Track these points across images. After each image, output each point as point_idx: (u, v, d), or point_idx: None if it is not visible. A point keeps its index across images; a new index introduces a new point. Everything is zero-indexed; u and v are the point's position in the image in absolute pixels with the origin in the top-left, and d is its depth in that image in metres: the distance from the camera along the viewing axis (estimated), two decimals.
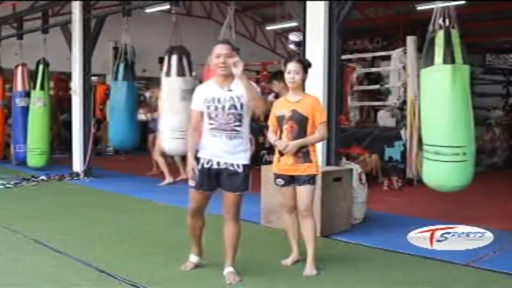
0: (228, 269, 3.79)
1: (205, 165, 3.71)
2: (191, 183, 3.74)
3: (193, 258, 4.01)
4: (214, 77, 3.78)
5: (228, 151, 3.66)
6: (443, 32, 4.69)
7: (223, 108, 3.64)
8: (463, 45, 4.70)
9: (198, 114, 3.75)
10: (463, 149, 4.64)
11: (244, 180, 3.69)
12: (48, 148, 9.80)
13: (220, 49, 3.64)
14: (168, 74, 7.44)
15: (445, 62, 4.65)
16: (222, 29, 7.17)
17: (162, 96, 7.65)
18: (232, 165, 3.68)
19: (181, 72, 7.41)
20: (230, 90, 3.65)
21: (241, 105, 3.65)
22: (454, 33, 4.68)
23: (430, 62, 4.77)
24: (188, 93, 7.20)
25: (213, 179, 3.71)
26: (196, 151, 3.76)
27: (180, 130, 7.03)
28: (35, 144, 9.58)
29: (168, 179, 8.24)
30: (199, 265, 4.02)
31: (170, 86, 7.42)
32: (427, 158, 4.83)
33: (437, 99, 4.75)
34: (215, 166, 3.70)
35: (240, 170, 3.68)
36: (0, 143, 10.98)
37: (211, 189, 3.76)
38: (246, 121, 3.72)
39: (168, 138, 7.32)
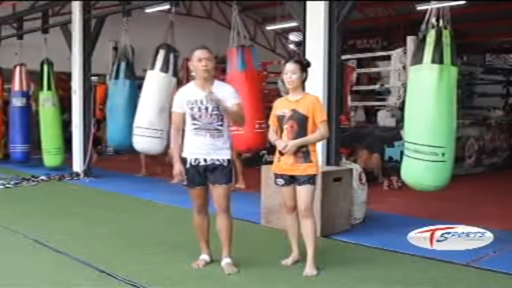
0: (226, 260, 3.96)
1: (193, 163, 3.90)
2: (184, 182, 3.93)
3: (205, 256, 4.06)
4: (195, 79, 3.97)
5: (213, 148, 3.87)
6: (434, 32, 4.67)
7: (206, 109, 3.84)
8: (453, 46, 4.67)
9: (181, 115, 3.94)
10: (442, 149, 4.62)
11: (229, 173, 3.93)
12: (63, 147, 9.80)
13: (202, 53, 3.86)
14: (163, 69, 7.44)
15: (433, 61, 4.63)
16: (231, 33, 7.13)
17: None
18: (218, 160, 3.88)
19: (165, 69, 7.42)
20: (211, 93, 3.82)
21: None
22: (446, 34, 4.66)
23: (419, 60, 4.75)
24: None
25: (202, 174, 3.91)
26: (180, 151, 3.97)
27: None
28: (50, 145, 9.61)
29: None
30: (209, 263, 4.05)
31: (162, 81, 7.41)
32: (407, 155, 4.82)
33: (422, 97, 4.73)
34: (202, 163, 3.89)
35: (225, 164, 3.90)
36: (0, 143, 10.98)
37: (203, 184, 3.94)
38: (227, 120, 3.92)
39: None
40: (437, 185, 4.79)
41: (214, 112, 3.84)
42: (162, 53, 7.38)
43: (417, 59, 4.79)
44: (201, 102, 3.85)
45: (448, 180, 4.76)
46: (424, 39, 4.73)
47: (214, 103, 3.79)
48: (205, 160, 3.87)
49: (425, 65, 4.68)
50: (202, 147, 3.86)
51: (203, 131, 3.86)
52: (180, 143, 3.96)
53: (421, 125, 4.72)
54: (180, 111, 3.94)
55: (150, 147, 7.47)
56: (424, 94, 4.70)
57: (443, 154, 4.62)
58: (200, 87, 3.89)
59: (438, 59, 4.61)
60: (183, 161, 3.92)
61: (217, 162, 3.87)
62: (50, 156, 9.64)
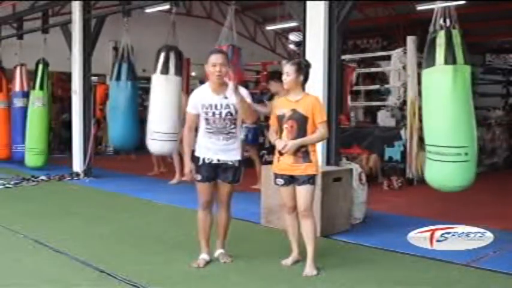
0: (220, 251, 4.16)
1: (206, 161, 4.03)
2: (197, 177, 4.04)
3: (204, 256, 4.08)
4: (209, 82, 4.05)
5: (225, 150, 4.01)
6: (444, 33, 4.67)
7: (220, 114, 3.97)
8: (464, 45, 4.68)
9: (195, 116, 4.06)
10: (465, 149, 4.60)
11: (238, 173, 4.09)
12: (47, 148, 9.79)
13: (216, 59, 3.95)
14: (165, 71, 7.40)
15: (446, 62, 4.63)
16: (222, 30, 7.14)
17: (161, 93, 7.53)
18: (231, 161, 4.04)
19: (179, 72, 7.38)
20: (226, 98, 3.96)
21: (236, 112, 3.99)
22: (455, 34, 4.66)
23: (431, 62, 4.75)
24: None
25: (214, 170, 4.05)
26: (193, 150, 4.08)
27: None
28: (33, 144, 9.57)
29: (178, 178, 8.15)
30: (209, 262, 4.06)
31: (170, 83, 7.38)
32: (430, 158, 4.81)
33: (438, 99, 4.73)
34: (215, 161, 4.03)
35: (237, 165, 4.06)
36: (4, 143, 10.98)
37: (213, 180, 4.06)
38: (239, 122, 4.09)
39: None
40: (463, 185, 4.75)
41: (228, 117, 3.96)
42: (173, 56, 7.35)
43: (429, 61, 4.77)
44: (216, 107, 3.95)
45: (473, 178, 4.73)
46: (433, 41, 4.72)
47: (236, 94, 3.87)
48: (218, 160, 4.01)
49: (439, 67, 4.68)
50: (215, 149, 3.99)
51: (217, 134, 3.98)
52: (192, 143, 4.09)
53: (441, 127, 4.71)
54: (194, 112, 4.04)
55: (170, 150, 7.56)
56: (441, 96, 4.69)
57: (466, 154, 4.60)
58: (215, 92, 3.99)
59: (451, 59, 4.62)
60: (196, 158, 4.03)
61: (229, 163, 4.02)
62: (33, 157, 9.59)
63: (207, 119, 3.98)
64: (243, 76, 7.54)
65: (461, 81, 4.63)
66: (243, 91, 4.04)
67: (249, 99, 4.03)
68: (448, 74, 4.61)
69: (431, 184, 4.91)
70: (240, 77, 7.13)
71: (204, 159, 4.01)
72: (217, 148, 3.98)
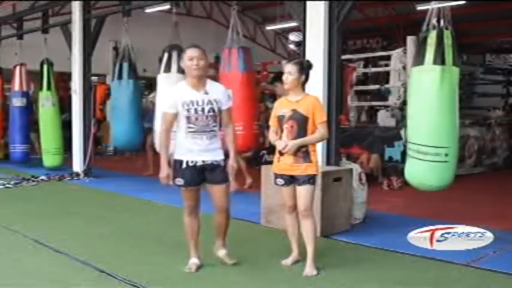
0: (223, 251, 4.06)
1: (190, 164, 3.85)
2: (179, 182, 3.87)
3: (195, 260, 4.00)
4: (187, 79, 3.92)
5: (208, 150, 3.85)
6: (435, 33, 4.66)
7: (202, 111, 3.81)
8: (455, 46, 4.66)
9: (174, 116, 3.86)
10: (445, 149, 4.61)
11: (226, 171, 3.93)
12: (62, 147, 9.82)
13: (193, 52, 3.82)
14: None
15: (435, 62, 4.62)
16: (228, 32, 7.11)
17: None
18: (216, 160, 3.88)
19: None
20: (207, 94, 3.83)
21: (219, 109, 3.87)
22: (447, 35, 4.64)
23: (420, 61, 4.74)
24: None
25: (199, 173, 3.88)
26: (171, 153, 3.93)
27: None
28: (49, 144, 9.61)
29: None
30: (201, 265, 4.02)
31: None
32: (410, 156, 4.81)
33: (424, 98, 4.72)
34: (200, 163, 3.86)
35: (222, 164, 3.91)
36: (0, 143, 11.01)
37: (199, 184, 3.92)
38: (219, 120, 3.91)
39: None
40: (440, 185, 4.78)
41: (210, 113, 3.81)
42: (175, 55, 7.35)
43: (419, 60, 4.78)
44: (197, 103, 3.79)
45: (451, 180, 4.75)
46: (425, 40, 4.71)
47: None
48: (203, 161, 3.84)
49: (427, 66, 4.67)
50: (198, 150, 3.82)
51: (199, 134, 3.81)
52: (169, 144, 3.91)
53: (423, 126, 4.71)
54: (173, 111, 3.84)
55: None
56: (426, 95, 4.69)
57: (446, 154, 4.62)
58: (194, 87, 3.83)
59: (440, 60, 4.60)
60: (178, 162, 3.86)
61: (215, 163, 3.87)
62: (49, 156, 9.64)
63: (188, 117, 3.78)
64: (255, 77, 7.46)
65: (448, 83, 4.61)
66: (222, 92, 3.92)
67: (230, 103, 3.96)
68: (435, 74, 4.60)
69: (410, 181, 4.94)
70: (254, 78, 7.09)
71: (187, 162, 3.83)
72: (201, 148, 3.81)
